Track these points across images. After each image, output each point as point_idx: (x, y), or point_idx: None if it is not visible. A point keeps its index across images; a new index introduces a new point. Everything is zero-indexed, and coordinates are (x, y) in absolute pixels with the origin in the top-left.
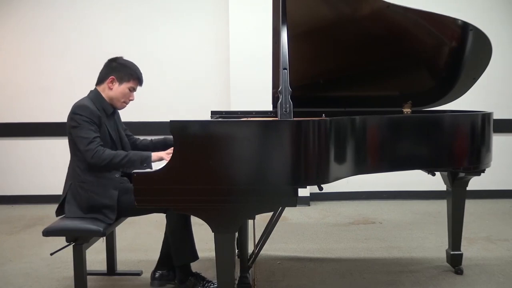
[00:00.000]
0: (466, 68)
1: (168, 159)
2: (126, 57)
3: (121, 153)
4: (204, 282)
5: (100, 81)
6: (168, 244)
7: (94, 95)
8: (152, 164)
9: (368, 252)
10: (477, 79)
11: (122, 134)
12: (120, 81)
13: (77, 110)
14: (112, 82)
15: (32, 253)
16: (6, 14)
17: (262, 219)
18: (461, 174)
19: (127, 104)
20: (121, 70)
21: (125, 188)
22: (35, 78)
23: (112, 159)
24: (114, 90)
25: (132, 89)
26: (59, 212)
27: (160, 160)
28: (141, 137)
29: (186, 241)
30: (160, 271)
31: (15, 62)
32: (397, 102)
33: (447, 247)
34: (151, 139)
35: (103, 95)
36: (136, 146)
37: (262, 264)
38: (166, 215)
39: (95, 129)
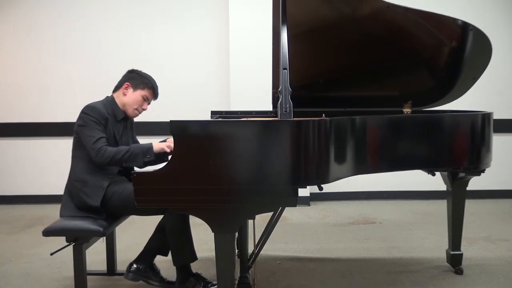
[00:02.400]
0: (466, 68)
1: (169, 150)
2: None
3: (123, 148)
4: (204, 283)
5: (117, 88)
6: (154, 240)
7: (108, 101)
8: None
9: (368, 252)
10: (477, 79)
11: (128, 142)
12: (135, 88)
13: (86, 110)
14: (126, 88)
15: (32, 253)
16: (6, 13)
17: (262, 219)
18: (461, 174)
19: (139, 112)
20: (138, 79)
21: (118, 186)
22: (35, 78)
23: (115, 155)
24: (128, 96)
25: (146, 98)
26: None
27: (161, 151)
28: (143, 137)
29: (185, 242)
30: (136, 265)
31: (15, 62)
32: (397, 102)
33: (447, 247)
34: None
35: (117, 101)
36: None
37: (262, 264)
38: (164, 216)
39: (101, 129)
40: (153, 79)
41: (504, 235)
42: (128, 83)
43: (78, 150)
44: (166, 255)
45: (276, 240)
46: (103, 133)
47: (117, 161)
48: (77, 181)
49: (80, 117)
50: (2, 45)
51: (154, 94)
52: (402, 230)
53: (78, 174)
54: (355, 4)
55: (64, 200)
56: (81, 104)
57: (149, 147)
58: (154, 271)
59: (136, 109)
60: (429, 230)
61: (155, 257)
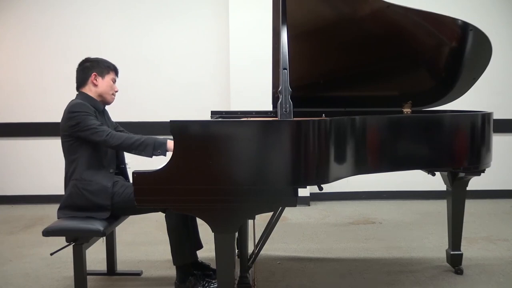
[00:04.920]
0: (466, 68)
1: None
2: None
3: (135, 135)
4: (204, 282)
5: (81, 83)
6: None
7: (82, 96)
8: (167, 152)
9: (368, 252)
10: (477, 79)
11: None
12: (102, 75)
13: (74, 109)
14: (95, 78)
15: (32, 253)
16: (6, 13)
17: (262, 219)
18: (461, 174)
19: (115, 96)
20: (98, 66)
21: (119, 186)
22: (35, 78)
23: (126, 140)
24: (100, 85)
25: (114, 80)
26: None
27: None
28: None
29: (185, 241)
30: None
31: (15, 62)
32: (397, 102)
33: (447, 247)
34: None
35: (91, 94)
36: None
37: (262, 264)
38: (165, 215)
39: (96, 119)
40: (107, 60)
41: (504, 235)
42: (95, 73)
43: (74, 153)
44: (201, 247)
45: (276, 240)
46: (100, 122)
47: (128, 146)
48: (78, 180)
49: (69, 118)
50: (2, 45)
51: (117, 73)
52: (402, 230)
53: (78, 174)
54: (355, 4)
55: (64, 203)
56: None
57: (163, 142)
58: (204, 267)
59: (112, 94)
60: (429, 230)
61: (196, 256)
